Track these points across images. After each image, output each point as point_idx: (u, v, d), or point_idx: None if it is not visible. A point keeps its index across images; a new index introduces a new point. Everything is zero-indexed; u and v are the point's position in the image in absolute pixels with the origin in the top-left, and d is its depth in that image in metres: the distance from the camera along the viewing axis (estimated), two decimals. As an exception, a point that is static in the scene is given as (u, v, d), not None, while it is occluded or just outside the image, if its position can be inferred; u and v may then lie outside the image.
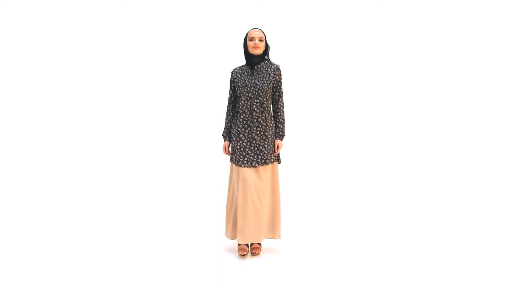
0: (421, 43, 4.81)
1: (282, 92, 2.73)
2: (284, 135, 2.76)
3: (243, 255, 2.69)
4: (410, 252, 2.77)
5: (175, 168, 4.73)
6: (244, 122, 2.66)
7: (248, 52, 2.65)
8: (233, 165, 2.74)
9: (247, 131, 2.66)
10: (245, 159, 2.65)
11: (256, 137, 2.65)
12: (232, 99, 2.78)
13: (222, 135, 2.81)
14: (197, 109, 4.90)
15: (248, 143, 2.66)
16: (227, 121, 2.79)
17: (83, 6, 4.74)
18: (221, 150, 3.02)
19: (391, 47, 4.85)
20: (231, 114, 2.79)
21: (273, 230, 2.79)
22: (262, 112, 2.66)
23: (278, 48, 3.71)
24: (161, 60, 4.89)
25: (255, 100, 2.63)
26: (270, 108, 2.72)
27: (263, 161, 2.66)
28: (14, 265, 2.53)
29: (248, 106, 2.65)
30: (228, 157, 2.83)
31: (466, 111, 4.78)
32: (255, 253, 2.73)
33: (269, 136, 2.68)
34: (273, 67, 2.68)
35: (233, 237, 2.76)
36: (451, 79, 4.81)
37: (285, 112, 2.79)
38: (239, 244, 2.74)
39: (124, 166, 4.70)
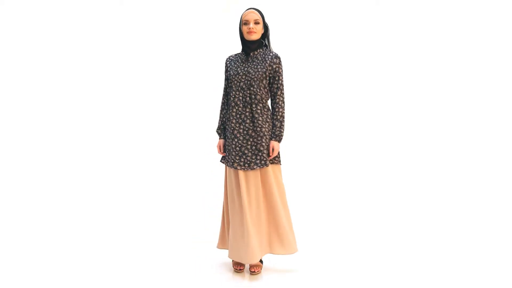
0: (421, 43, 4.81)
1: (281, 85, 2.29)
2: (282, 136, 2.32)
3: (240, 270, 2.42)
4: (416, 261, 2.77)
5: (172, 168, 4.72)
6: (238, 116, 2.29)
7: (243, 37, 2.31)
8: (228, 167, 2.37)
9: (241, 126, 2.29)
10: (242, 160, 2.28)
11: (253, 134, 2.27)
12: (227, 90, 2.41)
13: (217, 131, 2.44)
14: (198, 109, 4.89)
15: (245, 141, 2.28)
16: (221, 115, 2.43)
17: (83, 6, 4.74)
18: (216, 149, 2.73)
19: (391, 47, 4.85)
20: (225, 107, 2.43)
21: (281, 243, 2.35)
22: (257, 104, 2.26)
23: (278, 48, 3.70)
24: (161, 59, 4.88)
25: (247, 91, 2.26)
26: (266, 101, 2.34)
27: (262, 162, 2.26)
28: (12, 264, 2.53)
29: (241, 98, 2.28)
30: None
31: (466, 111, 4.77)
32: (254, 271, 2.38)
33: (266, 134, 2.29)
34: (271, 54, 2.30)
35: (236, 257, 2.36)
36: (451, 79, 4.80)
37: (285, 110, 2.37)
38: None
39: (121, 166, 4.69)
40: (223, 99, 2.44)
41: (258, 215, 2.31)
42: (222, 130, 2.43)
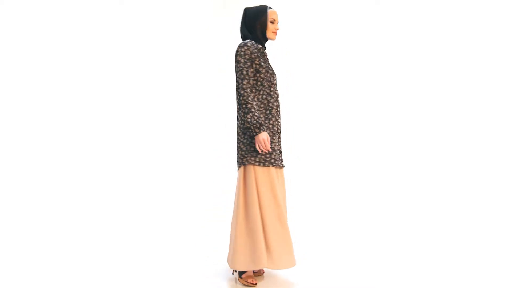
0: (421, 43, 4.80)
1: None
2: None
3: (255, 283, 2.22)
4: (416, 265, 2.76)
5: (173, 168, 4.71)
6: (277, 114, 2.20)
7: (264, 33, 2.17)
8: (268, 168, 2.15)
9: (278, 124, 2.20)
10: (279, 157, 2.20)
11: (280, 134, 2.25)
12: (251, 80, 2.13)
13: (259, 122, 2.07)
14: (197, 109, 4.89)
15: (279, 140, 2.22)
16: (256, 106, 2.12)
17: (83, 6, 4.74)
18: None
19: (391, 47, 4.84)
20: (255, 98, 2.16)
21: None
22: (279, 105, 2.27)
23: (278, 48, 3.71)
24: (161, 59, 4.89)
25: (277, 91, 2.22)
26: None
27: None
28: (12, 265, 2.53)
29: (276, 96, 2.21)
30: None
31: (466, 111, 4.76)
32: (252, 283, 2.24)
33: None
34: None
35: (289, 263, 2.18)
36: (451, 79, 4.79)
37: None
38: (243, 273, 2.26)
39: (120, 167, 4.69)
40: (249, 88, 2.12)
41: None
42: (263, 121, 2.13)
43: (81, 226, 3.23)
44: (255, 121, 2.05)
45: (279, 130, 2.21)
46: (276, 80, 2.21)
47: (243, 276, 2.26)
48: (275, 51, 3.51)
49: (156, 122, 4.89)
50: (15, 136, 4.68)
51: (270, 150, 2.10)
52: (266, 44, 2.24)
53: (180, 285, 2.24)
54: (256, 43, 2.15)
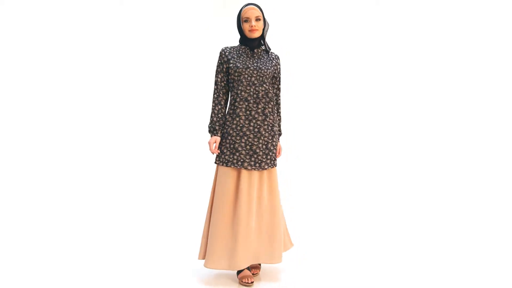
0: (421, 43, 4.80)
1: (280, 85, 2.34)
2: (281, 134, 2.40)
3: (251, 282, 2.21)
4: (415, 262, 2.76)
5: (168, 170, 4.72)
6: (248, 112, 2.17)
7: (243, 34, 2.22)
8: (232, 169, 2.18)
9: (252, 123, 2.17)
10: (252, 159, 2.17)
11: (264, 132, 2.18)
12: (223, 83, 2.23)
13: (213, 127, 2.20)
14: (198, 109, 4.89)
15: (256, 140, 2.17)
16: (216, 110, 2.22)
17: (83, 6, 4.74)
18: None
19: (391, 47, 4.84)
20: (222, 102, 2.23)
21: (273, 251, 2.23)
22: (269, 102, 2.19)
23: (278, 47, 3.71)
24: (161, 59, 4.89)
25: (260, 88, 2.17)
26: (274, 100, 2.30)
27: (272, 162, 2.21)
28: (11, 265, 2.53)
29: (252, 94, 2.16)
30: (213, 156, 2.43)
31: (467, 112, 4.76)
32: (247, 282, 2.22)
33: (276, 133, 2.26)
34: (273, 53, 2.30)
35: (223, 265, 2.18)
36: (451, 79, 4.79)
37: None
38: (240, 271, 2.27)
39: (122, 167, 4.69)
40: (217, 92, 2.24)
41: (259, 219, 2.22)
42: (220, 126, 2.21)
43: (80, 230, 3.23)
44: (209, 125, 2.21)
45: (255, 130, 2.17)
46: (256, 77, 2.17)
47: (239, 276, 2.26)
48: (275, 51, 3.49)
49: (156, 122, 4.89)
50: (13, 136, 4.68)
51: (215, 153, 2.19)
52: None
53: (180, 284, 2.24)
54: (242, 44, 2.24)
